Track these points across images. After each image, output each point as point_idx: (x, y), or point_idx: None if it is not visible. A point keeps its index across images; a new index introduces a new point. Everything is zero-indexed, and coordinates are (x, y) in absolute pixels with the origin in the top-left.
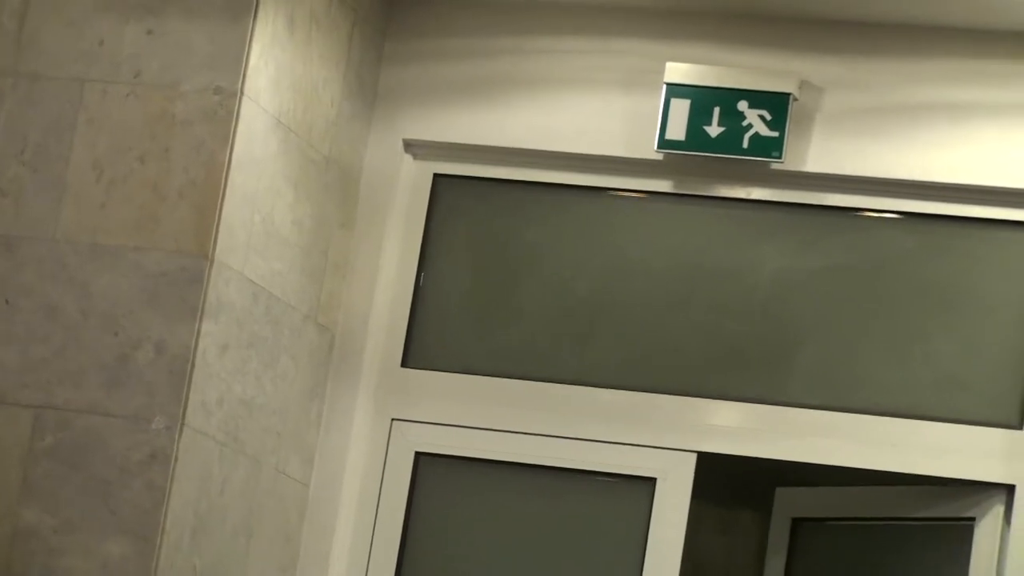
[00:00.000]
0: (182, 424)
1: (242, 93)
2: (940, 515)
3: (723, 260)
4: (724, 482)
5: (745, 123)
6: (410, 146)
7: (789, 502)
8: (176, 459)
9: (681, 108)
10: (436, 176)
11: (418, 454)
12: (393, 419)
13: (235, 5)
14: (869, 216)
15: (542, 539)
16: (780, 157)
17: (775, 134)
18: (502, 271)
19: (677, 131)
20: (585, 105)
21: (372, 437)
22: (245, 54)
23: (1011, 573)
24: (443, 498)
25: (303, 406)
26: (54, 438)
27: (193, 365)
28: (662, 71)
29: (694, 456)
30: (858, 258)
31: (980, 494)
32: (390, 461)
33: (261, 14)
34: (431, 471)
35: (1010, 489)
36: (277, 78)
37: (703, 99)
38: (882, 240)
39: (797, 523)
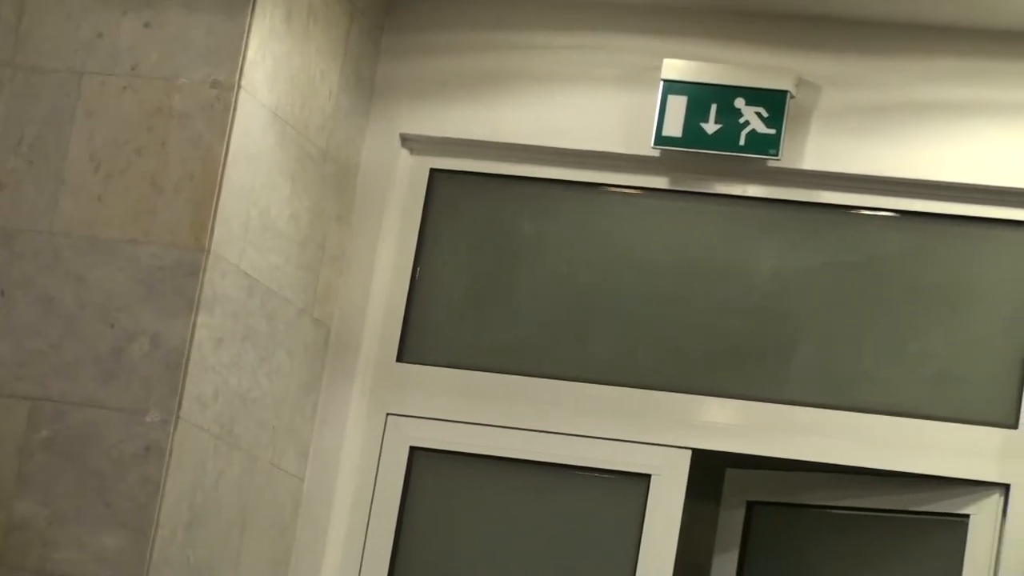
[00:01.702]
0: (177, 417)
1: (239, 87)
2: (935, 511)
3: (719, 257)
4: (718, 480)
5: (742, 120)
6: (407, 140)
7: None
8: (171, 452)
9: (678, 105)
10: (432, 171)
11: (413, 449)
12: (388, 414)
13: None
14: (866, 214)
15: (536, 535)
16: (777, 154)
17: (772, 131)
18: (498, 267)
19: (674, 128)
20: (582, 101)
21: (367, 432)
22: (243, 47)
23: (1006, 570)
24: (438, 493)
25: (298, 400)
26: (49, 430)
27: (188, 358)
28: (659, 67)
29: (689, 453)
30: (854, 256)
31: (975, 492)
32: (385, 456)
33: (259, 7)
34: (426, 466)
35: (1005, 488)
36: (275, 72)
37: (700, 96)
38: (879, 238)
39: (752, 506)
